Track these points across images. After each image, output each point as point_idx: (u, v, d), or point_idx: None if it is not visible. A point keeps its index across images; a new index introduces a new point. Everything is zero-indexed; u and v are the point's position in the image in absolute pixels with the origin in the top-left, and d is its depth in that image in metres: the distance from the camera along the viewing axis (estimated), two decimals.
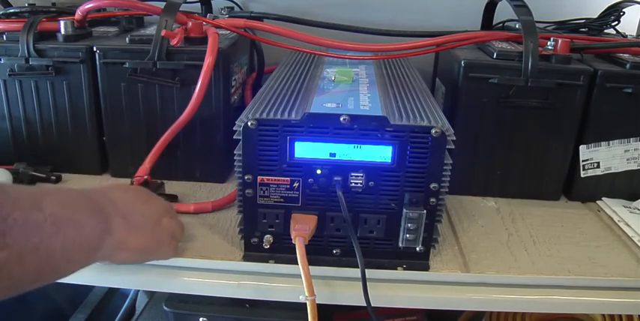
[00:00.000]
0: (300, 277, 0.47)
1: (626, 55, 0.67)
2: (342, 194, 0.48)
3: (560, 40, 0.64)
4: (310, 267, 0.47)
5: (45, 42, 0.65)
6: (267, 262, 0.52)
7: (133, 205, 0.46)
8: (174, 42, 0.62)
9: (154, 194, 0.51)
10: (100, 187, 0.46)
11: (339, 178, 0.48)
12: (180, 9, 0.63)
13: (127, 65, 0.62)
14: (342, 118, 0.47)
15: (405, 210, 0.49)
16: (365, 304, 0.49)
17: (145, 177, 0.60)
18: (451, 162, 0.48)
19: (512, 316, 0.77)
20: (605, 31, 0.85)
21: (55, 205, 0.37)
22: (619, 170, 0.67)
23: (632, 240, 0.59)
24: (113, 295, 0.98)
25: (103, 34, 0.72)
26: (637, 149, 0.66)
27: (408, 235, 0.49)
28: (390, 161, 0.48)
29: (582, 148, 0.66)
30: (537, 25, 0.64)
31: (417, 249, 0.51)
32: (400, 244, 0.51)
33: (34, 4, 0.71)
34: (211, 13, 0.89)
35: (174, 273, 0.53)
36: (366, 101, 0.53)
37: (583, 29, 0.85)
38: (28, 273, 0.34)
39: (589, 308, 0.58)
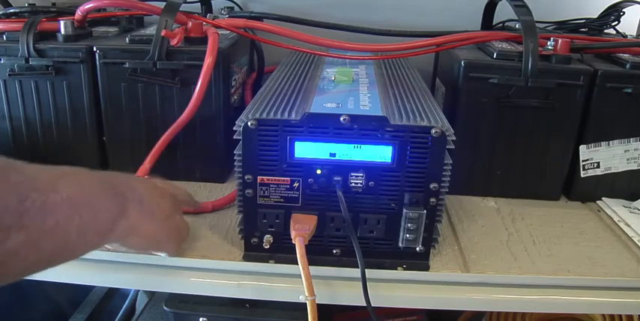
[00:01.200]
0: (300, 277, 0.47)
1: (626, 55, 0.67)
2: (342, 194, 0.48)
3: (560, 40, 0.64)
4: (310, 267, 0.47)
5: (45, 42, 0.65)
6: (267, 262, 0.52)
7: (150, 195, 0.46)
8: (174, 42, 0.62)
9: (170, 192, 0.50)
10: (122, 173, 0.46)
11: (339, 178, 0.48)
12: (180, 9, 0.63)
13: (127, 65, 0.62)
14: (342, 118, 0.47)
15: (405, 210, 0.49)
16: (365, 304, 0.49)
17: (145, 177, 0.60)
18: (451, 162, 0.48)
19: (512, 316, 0.77)
20: (605, 31, 0.85)
21: (73, 186, 0.37)
22: (619, 170, 0.67)
23: (632, 240, 0.59)
24: (113, 295, 0.98)
25: (103, 34, 0.72)
26: (637, 149, 0.66)
27: (408, 235, 0.49)
28: (390, 161, 0.48)
29: (582, 148, 0.66)
30: (537, 25, 0.64)
31: (417, 249, 0.51)
32: (400, 244, 0.51)
33: (34, 4, 0.71)
34: (211, 13, 0.89)
35: (174, 273, 0.53)
36: (366, 101, 0.53)
37: (583, 29, 0.85)
38: (43, 255, 0.34)
39: (589, 308, 0.58)
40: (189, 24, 0.65)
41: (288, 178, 0.49)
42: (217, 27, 0.67)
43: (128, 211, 0.42)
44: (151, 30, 0.71)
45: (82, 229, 0.37)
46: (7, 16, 0.69)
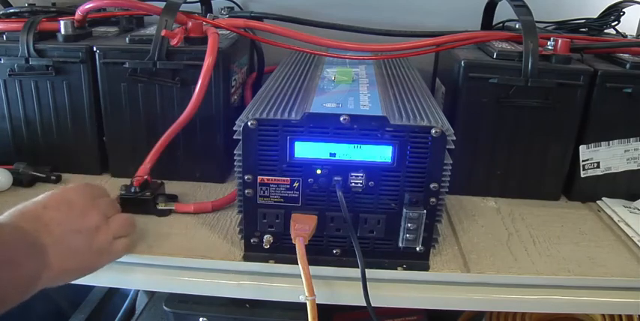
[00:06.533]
0: (300, 277, 0.47)
1: (626, 55, 0.67)
2: (342, 194, 0.48)
3: (560, 40, 0.64)
4: (310, 267, 0.47)
5: (45, 42, 0.65)
6: (267, 262, 0.52)
7: (68, 224, 0.45)
8: (174, 42, 0.62)
9: (89, 196, 0.48)
10: (35, 206, 0.44)
11: (339, 178, 0.48)
12: (180, 9, 0.63)
13: (127, 65, 0.62)
14: (342, 118, 0.47)
15: (405, 210, 0.49)
16: (365, 304, 0.49)
17: (145, 177, 0.60)
18: (451, 162, 0.48)
19: (512, 316, 0.77)
20: (605, 31, 0.85)
21: None
22: (619, 170, 0.67)
23: (632, 240, 0.59)
24: (113, 295, 0.98)
25: (103, 34, 0.73)
26: (637, 149, 0.66)
27: (408, 235, 0.49)
28: (390, 161, 0.48)
29: (582, 148, 0.66)
30: (537, 25, 0.64)
31: (417, 249, 0.51)
32: (400, 244, 0.51)
33: (34, 4, 0.71)
34: (211, 13, 0.89)
35: (174, 273, 0.53)
36: (366, 101, 0.53)
37: (583, 29, 0.85)
38: None
39: (589, 308, 0.58)
40: (189, 24, 0.65)
41: (288, 178, 0.49)
42: (217, 27, 0.67)
43: (50, 260, 0.41)
44: (151, 30, 0.71)
45: (3, 288, 0.37)
46: (7, 16, 0.69)
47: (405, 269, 0.52)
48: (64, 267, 0.43)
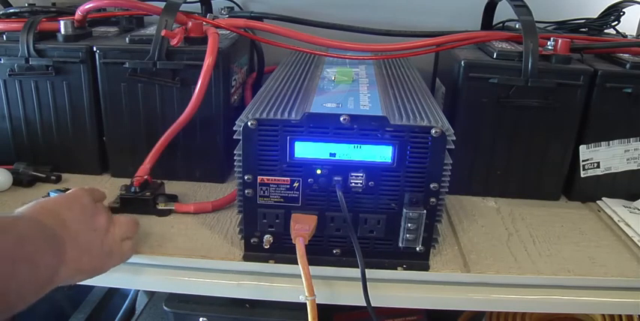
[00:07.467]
0: (300, 277, 0.47)
1: (626, 55, 0.67)
2: (342, 194, 0.48)
3: (560, 40, 0.64)
4: (310, 267, 0.47)
5: (45, 42, 0.65)
6: (267, 262, 0.52)
7: (82, 223, 0.45)
8: (174, 42, 0.62)
9: (93, 201, 0.48)
10: (49, 203, 0.45)
11: (339, 178, 0.48)
12: (180, 9, 0.63)
13: (127, 65, 0.62)
14: (342, 118, 0.47)
15: (405, 210, 0.49)
16: (365, 304, 0.49)
17: (145, 177, 0.60)
18: (451, 162, 0.48)
19: (512, 316, 0.77)
20: (605, 31, 0.85)
21: (10, 242, 0.37)
22: (619, 170, 0.67)
23: (632, 240, 0.59)
24: (113, 295, 0.98)
25: (103, 34, 0.73)
26: (637, 149, 0.66)
27: (408, 235, 0.49)
28: (390, 161, 0.48)
29: (582, 148, 0.66)
30: (537, 25, 0.64)
31: (417, 249, 0.51)
32: (400, 244, 0.51)
33: (34, 4, 0.71)
34: (211, 13, 0.89)
35: (174, 273, 0.53)
36: (366, 101, 0.53)
37: (583, 29, 0.85)
38: None
39: (589, 308, 0.58)
40: (189, 24, 0.65)
41: (288, 178, 0.49)
42: (217, 27, 0.67)
43: (67, 256, 0.42)
44: (151, 30, 0.71)
45: (22, 287, 0.37)
46: (7, 16, 0.69)
47: (405, 269, 0.52)
48: (78, 265, 0.44)
